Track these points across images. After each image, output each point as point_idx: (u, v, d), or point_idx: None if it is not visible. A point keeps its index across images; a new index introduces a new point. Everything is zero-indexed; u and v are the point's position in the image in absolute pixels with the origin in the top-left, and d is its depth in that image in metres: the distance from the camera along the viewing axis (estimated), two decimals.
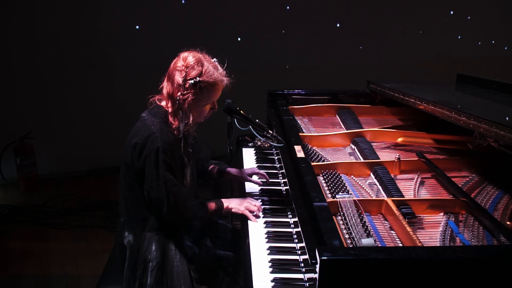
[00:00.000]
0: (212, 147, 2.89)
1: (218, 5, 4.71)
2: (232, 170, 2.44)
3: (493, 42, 5.79)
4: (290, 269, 1.74)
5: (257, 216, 2.10)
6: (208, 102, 2.02)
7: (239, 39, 4.83)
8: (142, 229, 2.03)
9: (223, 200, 2.14)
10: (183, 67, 1.94)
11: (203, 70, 1.94)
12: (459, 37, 5.59)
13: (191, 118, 1.98)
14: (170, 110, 1.99)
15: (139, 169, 1.95)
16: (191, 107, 1.97)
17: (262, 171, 2.42)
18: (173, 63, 2.00)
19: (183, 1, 4.57)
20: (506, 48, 5.88)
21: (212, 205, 2.10)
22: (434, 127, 2.57)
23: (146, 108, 2.07)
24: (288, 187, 2.18)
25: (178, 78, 1.94)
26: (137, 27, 4.52)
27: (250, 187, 2.39)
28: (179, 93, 1.94)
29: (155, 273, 1.96)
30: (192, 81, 1.93)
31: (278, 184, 2.40)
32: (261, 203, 2.18)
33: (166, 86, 2.00)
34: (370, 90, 3.03)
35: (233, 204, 2.13)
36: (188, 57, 1.96)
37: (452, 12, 5.53)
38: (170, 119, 1.98)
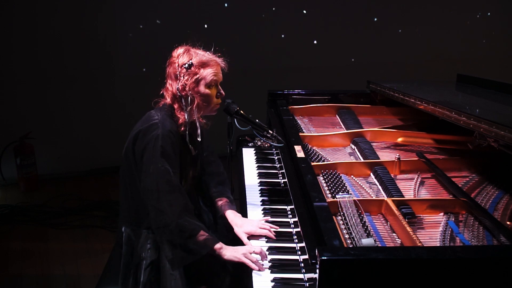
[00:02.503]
0: (212, 147, 2.87)
1: (217, 5, 4.71)
2: (233, 222, 2.07)
3: (493, 42, 5.79)
4: (290, 269, 1.74)
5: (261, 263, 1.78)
6: (208, 82, 2.01)
7: (238, 38, 4.83)
8: (140, 225, 2.03)
9: (220, 242, 1.87)
10: (175, 59, 2.02)
11: (194, 54, 2.02)
12: (459, 37, 5.59)
13: (195, 103, 2.00)
14: (175, 106, 2.03)
15: (140, 158, 1.95)
16: (193, 92, 2.00)
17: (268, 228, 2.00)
18: (167, 63, 2.06)
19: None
20: (506, 48, 5.87)
21: (203, 235, 1.85)
22: (434, 127, 2.57)
23: (147, 108, 2.09)
24: (288, 187, 2.18)
25: (174, 69, 2.01)
26: (140, 26, 4.52)
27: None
28: (178, 82, 1.99)
29: (149, 272, 1.96)
30: (186, 65, 1.98)
31: (278, 184, 2.40)
32: (266, 246, 1.89)
33: (167, 85, 2.05)
34: (370, 90, 3.03)
35: (227, 251, 1.85)
36: (177, 50, 2.05)
37: (452, 12, 5.53)
38: (176, 113, 2.02)
